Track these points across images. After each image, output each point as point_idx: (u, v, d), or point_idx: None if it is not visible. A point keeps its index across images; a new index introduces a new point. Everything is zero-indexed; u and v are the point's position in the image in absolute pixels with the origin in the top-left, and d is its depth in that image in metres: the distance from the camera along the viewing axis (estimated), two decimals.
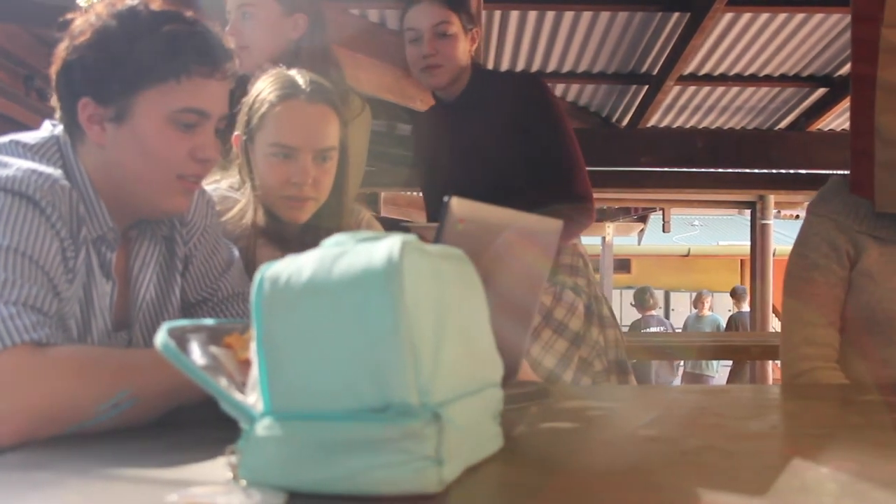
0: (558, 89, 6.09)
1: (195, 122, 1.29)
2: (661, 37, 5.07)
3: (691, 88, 6.05)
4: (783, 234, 10.42)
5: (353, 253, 0.74)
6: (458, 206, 1.05)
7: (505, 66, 5.60)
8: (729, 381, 9.48)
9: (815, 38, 5.11)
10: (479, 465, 0.83)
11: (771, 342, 4.34)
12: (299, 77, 1.69)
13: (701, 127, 6.96)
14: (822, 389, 1.69)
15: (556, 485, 0.80)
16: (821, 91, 5.98)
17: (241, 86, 1.63)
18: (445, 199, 1.04)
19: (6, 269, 1.11)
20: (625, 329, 10.57)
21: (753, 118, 6.73)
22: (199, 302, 1.47)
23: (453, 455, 0.75)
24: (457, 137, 2.43)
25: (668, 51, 5.17)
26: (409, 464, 0.71)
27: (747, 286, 9.75)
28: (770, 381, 7.73)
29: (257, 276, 0.76)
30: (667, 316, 13.73)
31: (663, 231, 11.58)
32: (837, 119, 6.40)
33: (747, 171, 6.79)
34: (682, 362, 9.97)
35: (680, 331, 11.04)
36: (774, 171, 6.67)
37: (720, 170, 6.84)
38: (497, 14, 4.82)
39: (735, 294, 10.91)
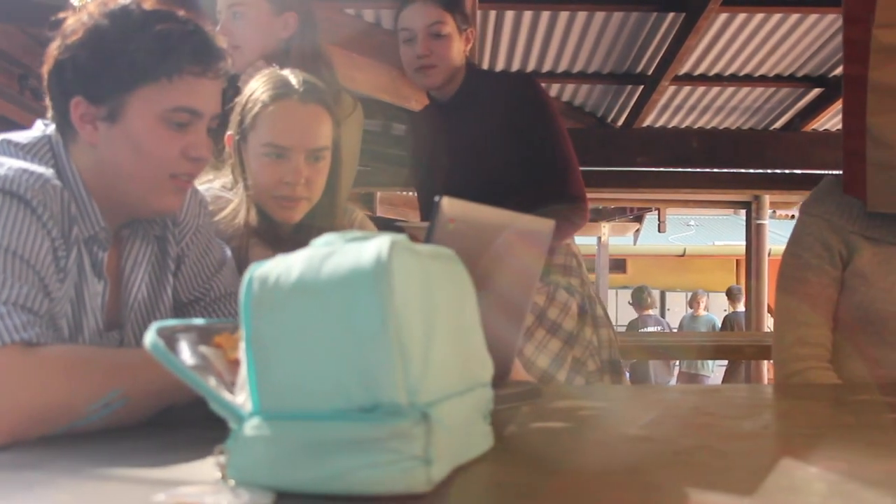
0: (554, 89, 6.09)
1: (187, 121, 1.29)
2: (656, 37, 5.07)
3: (686, 88, 6.06)
4: (778, 234, 10.42)
5: (341, 253, 0.74)
6: (450, 205, 1.05)
7: (500, 66, 5.60)
8: (724, 380, 9.49)
9: (809, 39, 5.12)
10: (468, 464, 0.83)
11: (766, 342, 4.34)
12: (292, 77, 1.69)
13: (696, 127, 6.97)
14: (815, 389, 1.69)
15: (546, 485, 0.80)
16: (816, 91, 5.99)
17: (232, 85, 1.63)
18: (436, 198, 1.04)
19: None
20: (622, 329, 10.62)
21: (748, 118, 6.74)
22: (191, 301, 1.46)
23: (442, 455, 0.74)
24: (451, 137, 2.43)
25: (663, 51, 5.17)
26: (397, 463, 0.71)
27: (743, 286, 9.77)
28: (765, 381, 7.75)
29: (246, 276, 0.76)
30: (662, 315, 13.72)
31: (659, 231, 11.60)
32: (832, 119, 6.40)
33: (742, 171, 6.81)
34: (677, 362, 9.98)
35: (676, 331, 11.05)
36: (769, 171, 6.70)
37: (715, 170, 6.86)
38: (492, 14, 4.82)
39: (730, 294, 10.93)
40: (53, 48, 1.28)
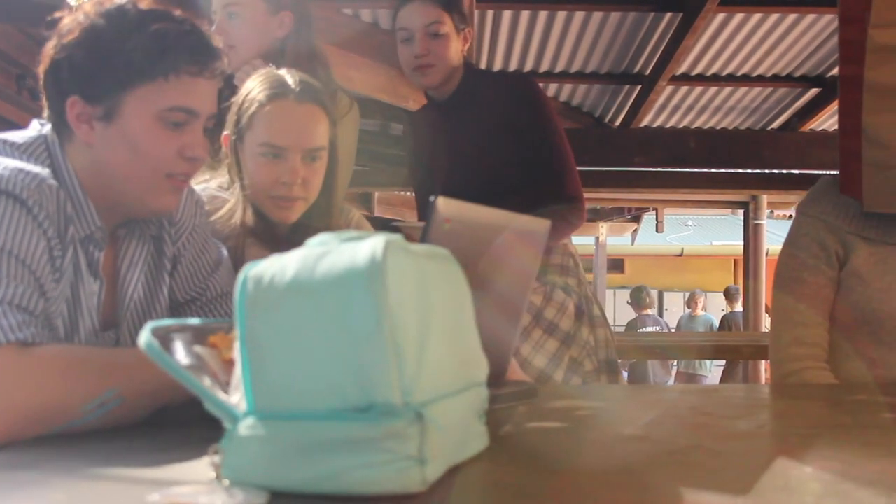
0: (551, 89, 6.10)
1: (184, 120, 1.29)
2: (653, 37, 5.07)
3: (684, 88, 6.06)
4: (776, 234, 10.44)
5: (336, 252, 0.74)
6: (445, 205, 1.05)
7: (498, 65, 5.60)
8: (722, 380, 9.49)
9: (807, 39, 5.12)
10: (463, 464, 0.83)
11: (764, 342, 4.35)
12: (289, 77, 1.69)
13: (694, 127, 6.97)
14: (811, 389, 1.69)
15: (541, 484, 0.80)
16: (813, 91, 5.99)
17: (228, 85, 1.63)
18: (432, 198, 1.04)
19: None
20: (621, 329, 10.62)
21: (746, 118, 6.74)
22: (187, 301, 1.46)
23: (437, 454, 0.75)
24: (448, 137, 2.43)
25: (660, 51, 5.17)
26: (391, 463, 0.71)
27: (740, 286, 9.77)
28: (763, 381, 7.75)
29: (241, 276, 0.76)
30: (660, 315, 13.74)
31: (657, 231, 11.61)
32: (830, 119, 6.41)
33: (740, 171, 6.82)
34: (675, 362, 9.98)
35: (674, 331, 11.05)
36: (767, 171, 6.71)
37: (713, 170, 6.87)
38: (490, 14, 4.82)
39: (728, 294, 10.93)
40: (49, 48, 1.28)
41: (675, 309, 15.82)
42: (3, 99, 4.95)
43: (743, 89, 6.02)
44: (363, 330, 0.71)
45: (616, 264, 17.58)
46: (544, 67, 5.61)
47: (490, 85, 2.43)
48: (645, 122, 6.60)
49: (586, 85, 6.03)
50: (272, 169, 1.67)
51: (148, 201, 1.32)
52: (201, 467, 0.76)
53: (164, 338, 0.83)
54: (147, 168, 1.29)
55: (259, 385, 0.74)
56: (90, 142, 1.28)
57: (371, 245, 0.73)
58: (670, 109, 6.56)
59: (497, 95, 2.37)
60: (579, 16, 4.84)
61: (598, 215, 11.45)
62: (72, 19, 1.27)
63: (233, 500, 0.69)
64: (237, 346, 0.75)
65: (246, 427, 0.74)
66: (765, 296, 8.14)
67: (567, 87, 6.12)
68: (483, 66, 5.47)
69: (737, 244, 9.67)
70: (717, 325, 10.58)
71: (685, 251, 17.56)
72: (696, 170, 6.89)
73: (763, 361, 7.21)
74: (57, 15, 1.29)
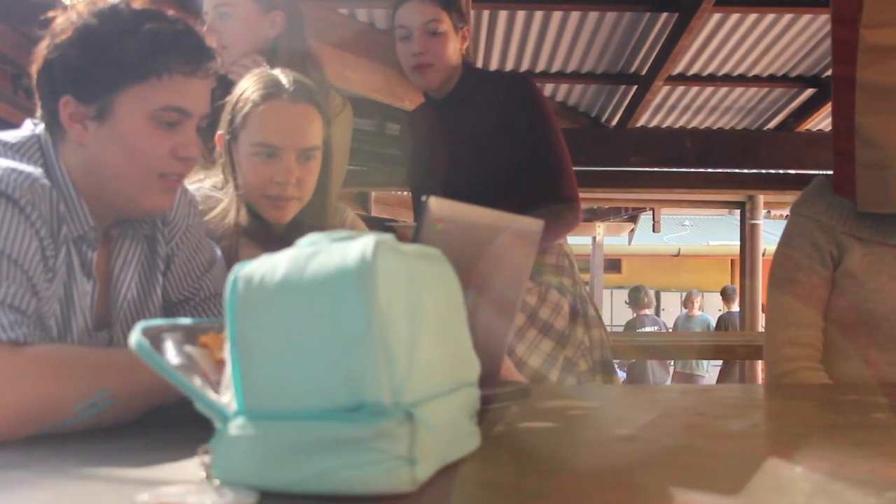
0: (547, 89, 6.10)
1: (177, 120, 1.29)
2: (649, 37, 5.08)
3: (680, 89, 6.07)
4: (773, 234, 10.42)
5: (326, 252, 0.74)
6: (437, 205, 1.05)
7: (494, 66, 5.60)
8: (719, 380, 9.50)
9: (803, 39, 5.13)
10: (454, 464, 0.83)
11: (760, 342, 4.30)
12: (283, 76, 1.69)
13: (690, 127, 6.98)
14: (805, 389, 1.70)
15: (532, 484, 0.80)
16: (809, 91, 6.00)
17: (221, 85, 1.63)
18: (424, 198, 1.04)
19: None
20: (619, 329, 10.62)
21: (742, 118, 6.75)
22: (180, 301, 1.46)
23: (427, 454, 0.75)
24: (446, 135, 2.43)
25: (656, 51, 5.18)
26: (381, 463, 0.71)
27: (737, 286, 9.78)
28: (759, 381, 7.76)
29: (231, 276, 0.76)
30: (657, 315, 13.75)
31: (653, 231, 11.62)
32: (826, 119, 6.41)
33: (736, 171, 6.83)
34: (672, 362, 9.99)
35: (671, 331, 11.06)
36: (763, 171, 6.71)
37: (709, 170, 6.88)
38: (485, 14, 4.82)
39: (725, 294, 10.93)
40: (42, 47, 1.28)
41: (672, 309, 15.83)
42: None
43: (739, 89, 6.03)
44: (353, 330, 0.71)
45: (613, 264, 17.60)
46: (540, 67, 5.61)
47: (488, 84, 2.43)
48: (641, 123, 6.60)
49: (582, 85, 6.03)
50: (266, 169, 1.66)
51: (141, 201, 1.32)
52: (191, 467, 0.76)
53: (154, 338, 0.83)
54: (140, 168, 1.29)
55: (249, 385, 0.74)
56: (83, 141, 1.28)
57: (361, 245, 0.73)
58: (666, 109, 6.57)
59: (495, 95, 2.37)
60: (575, 16, 4.84)
61: (595, 215, 11.45)
62: (65, 19, 1.27)
63: (222, 499, 0.69)
64: (227, 345, 0.75)
65: (236, 427, 0.74)
66: (761, 296, 8.14)
67: (563, 87, 6.13)
68: (479, 66, 5.47)
69: (734, 244, 9.68)
70: (714, 326, 10.58)
71: (682, 251, 17.58)
72: (692, 170, 6.90)
73: (760, 361, 7.21)
74: (50, 14, 1.29)
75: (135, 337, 0.80)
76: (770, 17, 4.76)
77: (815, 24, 4.89)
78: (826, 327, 1.84)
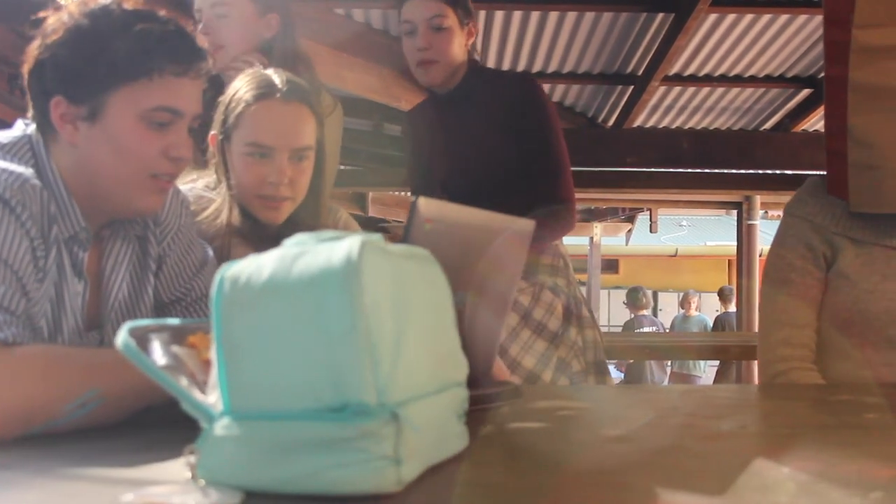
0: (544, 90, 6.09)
1: (168, 120, 1.29)
2: (645, 37, 5.08)
3: (676, 89, 6.07)
4: (770, 235, 10.41)
5: (312, 253, 0.74)
6: (426, 206, 1.05)
7: (490, 66, 5.60)
8: (716, 381, 9.50)
9: (799, 39, 5.13)
10: (441, 464, 0.83)
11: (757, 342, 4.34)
12: (275, 76, 1.69)
13: (686, 128, 6.98)
14: (797, 390, 1.70)
15: (517, 484, 0.80)
16: (805, 92, 6.00)
17: (214, 85, 1.63)
18: (413, 198, 1.04)
19: None
20: (617, 329, 10.61)
21: (738, 119, 6.75)
22: (172, 302, 1.46)
23: (413, 454, 0.75)
24: (446, 131, 2.43)
25: (652, 51, 5.17)
26: (366, 463, 0.71)
27: (734, 286, 9.78)
28: (756, 381, 7.75)
29: (218, 276, 0.76)
30: (654, 316, 13.76)
31: (651, 231, 11.60)
32: (822, 120, 6.38)
33: (733, 171, 6.83)
34: (669, 362, 9.99)
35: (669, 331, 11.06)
36: (760, 171, 6.71)
37: (706, 170, 6.87)
38: (482, 14, 4.82)
39: (722, 294, 10.94)
40: (34, 47, 1.28)
41: (669, 309, 15.84)
42: None
43: (735, 90, 6.03)
44: (338, 330, 0.71)
45: (610, 265, 17.61)
46: (537, 67, 5.61)
47: (493, 82, 2.44)
48: (637, 123, 6.60)
49: (579, 85, 6.03)
50: (259, 169, 1.67)
51: (132, 201, 1.32)
52: (177, 467, 0.76)
53: (141, 338, 0.84)
54: (131, 168, 1.29)
55: (235, 385, 0.74)
56: (74, 142, 1.28)
57: (347, 245, 0.73)
58: (663, 110, 6.57)
59: (499, 93, 2.38)
60: (571, 16, 4.84)
61: (593, 215, 11.45)
62: (56, 19, 1.27)
63: (207, 499, 0.69)
64: (214, 345, 0.75)
65: (221, 427, 0.74)
66: (758, 296, 8.14)
67: (560, 88, 6.12)
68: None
69: (731, 245, 9.68)
70: (711, 326, 10.59)
71: (679, 251, 17.59)
72: (688, 170, 6.90)
73: (756, 362, 7.21)
74: (41, 14, 1.29)
75: (121, 337, 0.80)
76: (766, 17, 4.76)
77: (811, 25, 4.89)
78: (820, 328, 1.84)
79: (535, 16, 4.82)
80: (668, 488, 0.78)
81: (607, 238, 12.65)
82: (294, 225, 1.71)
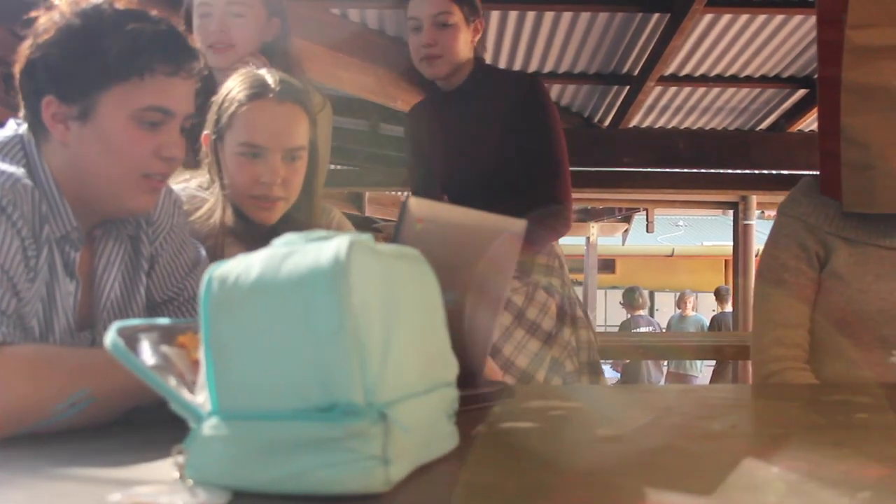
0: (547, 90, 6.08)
1: (160, 120, 1.29)
2: (641, 37, 5.08)
3: (672, 89, 6.07)
4: (766, 235, 10.43)
5: (301, 252, 0.74)
6: (417, 205, 1.05)
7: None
8: (712, 380, 9.51)
9: (794, 40, 5.13)
10: (431, 464, 0.83)
11: None
12: (269, 76, 1.69)
13: (682, 128, 6.98)
14: (790, 390, 1.70)
15: (506, 484, 0.80)
16: (801, 92, 6.00)
17: (207, 85, 1.63)
18: (403, 198, 1.04)
19: None
20: (613, 329, 10.60)
21: (734, 119, 6.75)
22: (164, 301, 1.46)
23: (401, 454, 0.75)
24: (448, 127, 2.44)
25: (648, 51, 5.18)
26: (355, 463, 0.71)
27: (731, 286, 9.80)
28: (752, 381, 7.76)
29: (206, 276, 0.76)
30: (651, 316, 13.76)
31: (647, 231, 11.62)
32: (818, 120, 6.41)
33: (729, 171, 6.83)
34: (666, 362, 10.00)
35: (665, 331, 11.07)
36: (756, 171, 6.72)
37: (702, 170, 6.88)
38: None
39: (718, 294, 10.95)
40: (25, 47, 1.28)
41: (666, 309, 15.85)
42: None
43: (731, 90, 6.03)
44: (326, 329, 0.71)
45: (607, 264, 17.63)
46: (533, 67, 5.61)
47: (497, 81, 2.45)
48: (634, 123, 6.60)
49: (575, 85, 6.03)
50: (252, 169, 1.66)
51: (124, 201, 1.32)
52: (166, 467, 0.76)
53: (130, 338, 0.83)
54: (123, 168, 1.29)
55: (223, 385, 0.74)
56: (66, 141, 1.27)
57: (336, 245, 0.73)
58: (659, 110, 6.57)
59: (503, 93, 2.38)
60: (567, 16, 4.84)
61: (589, 215, 11.46)
62: (47, 18, 1.27)
63: (195, 499, 0.69)
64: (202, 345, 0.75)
65: (210, 427, 0.74)
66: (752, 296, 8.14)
67: (556, 88, 6.12)
68: None
69: (727, 244, 9.69)
70: (708, 326, 10.60)
71: (676, 251, 17.60)
72: (685, 170, 6.91)
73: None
74: (33, 14, 1.29)
75: (110, 337, 0.80)
76: (761, 17, 4.76)
77: (807, 25, 4.89)
78: (813, 327, 1.84)
79: (531, 16, 4.82)
80: (657, 488, 0.78)
81: (604, 238, 12.66)
82: (287, 225, 1.71)
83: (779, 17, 4.78)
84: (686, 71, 5.68)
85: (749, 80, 5.83)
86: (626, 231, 12.80)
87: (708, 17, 4.78)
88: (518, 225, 1.27)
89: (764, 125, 6.74)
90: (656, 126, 6.98)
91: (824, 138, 1.79)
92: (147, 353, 0.83)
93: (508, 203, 2.01)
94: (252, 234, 1.72)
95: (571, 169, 2.42)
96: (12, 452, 0.94)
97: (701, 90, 6.06)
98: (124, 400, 1.09)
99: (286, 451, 0.71)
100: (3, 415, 1.02)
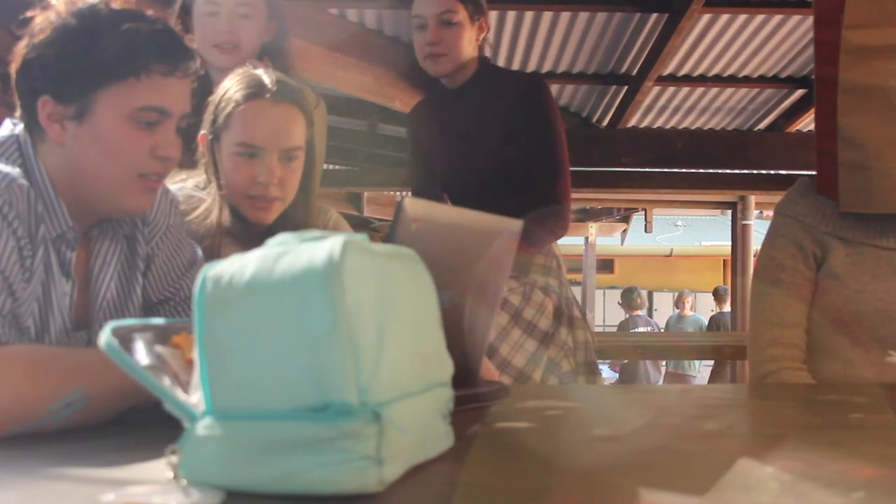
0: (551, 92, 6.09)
1: (156, 120, 1.29)
2: (639, 37, 5.08)
3: (670, 89, 6.07)
4: (764, 235, 10.44)
5: (295, 252, 0.74)
6: (412, 205, 1.05)
7: None
8: (710, 380, 9.52)
9: (792, 40, 5.14)
10: (425, 464, 0.83)
11: None
12: (265, 76, 1.69)
13: (681, 128, 6.98)
14: (786, 389, 1.70)
15: (500, 484, 0.80)
16: (799, 92, 6.01)
17: (203, 85, 1.63)
18: (399, 198, 1.04)
19: None
20: (612, 329, 10.59)
21: (732, 119, 6.76)
22: (160, 301, 1.46)
23: (395, 454, 0.75)
24: (451, 126, 2.44)
25: (646, 51, 5.18)
26: (348, 463, 0.71)
27: (729, 286, 9.80)
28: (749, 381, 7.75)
29: (200, 276, 0.76)
30: (649, 316, 13.76)
31: (645, 231, 11.63)
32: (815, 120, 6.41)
33: (727, 171, 6.84)
34: (664, 362, 10.00)
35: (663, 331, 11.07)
36: (754, 171, 6.73)
37: (700, 170, 6.88)
38: None
39: (717, 294, 10.95)
40: (21, 47, 1.28)
41: (664, 309, 15.85)
42: None
43: (729, 90, 6.04)
44: (320, 329, 0.71)
45: (606, 264, 17.63)
46: (531, 68, 5.61)
47: (502, 81, 2.45)
48: (632, 123, 6.61)
49: (573, 85, 6.03)
50: (249, 169, 1.66)
51: (120, 201, 1.32)
52: (159, 467, 0.76)
53: (124, 338, 0.83)
54: (119, 168, 1.29)
55: (217, 385, 0.74)
56: (62, 141, 1.27)
57: (329, 245, 0.73)
58: (657, 110, 6.58)
59: (507, 92, 2.39)
60: (565, 16, 4.84)
61: (588, 215, 11.46)
62: (43, 18, 1.27)
63: (188, 499, 0.69)
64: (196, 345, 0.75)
65: (203, 427, 0.74)
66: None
67: (554, 88, 6.11)
68: None
69: (726, 244, 9.70)
70: (706, 326, 10.60)
71: (674, 251, 17.61)
72: (683, 170, 6.91)
73: None
74: (29, 14, 1.29)
75: (104, 337, 0.80)
76: (759, 17, 4.77)
77: (805, 25, 4.89)
78: (810, 327, 1.84)
79: (529, 16, 4.82)
80: (652, 488, 0.78)
81: (602, 238, 12.66)
82: (284, 225, 1.71)
83: (777, 17, 4.78)
84: (684, 71, 5.68)
85: (747, 80, 5.83)
86: (625, 231, 12.80)
87: (706, 17, 4.78)
88: (515, 225, 1.27)
89: (762, 125, 6.75)
90: (654, 126, 6.99)
91: (821, 138, 1.79)
92: (141, 353, 0.83)
93: (508, 202, 2.02)
94: (249, 234, 1.71)
95: (570, 169, 2.42)
96: (7, 452, 0.94)
97: (699, 90, 6.07)
98: (119, 400, 1.09)
99: (280, 451, 0.71)
100: None
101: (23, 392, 1.03)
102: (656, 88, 5.89)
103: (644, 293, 11.86)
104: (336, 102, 5.69)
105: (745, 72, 5.69)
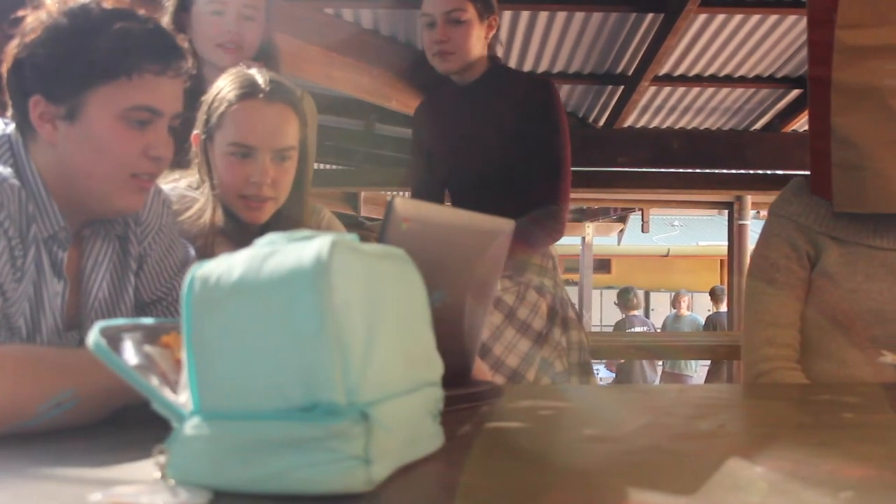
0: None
1: (147, 119, 1.29)
2: (635, 37, 5.08)
3: (666, 89, 6.08)
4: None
5: (283, 252, 0.74)
6: (402, 205, 1.05)
7: None
8: (707, 380, 9.53)
9: (788, 40, 5.14)
10: (415, 464, 0.83)
11: None
12: (259, 76, 1.69)
13: (677, 128, 6.99)
14: (779, 389, 1.70)
15: (489, 484, 0.80)
16: (795, 92, 6.02)
17: (197, 85, 1.63)
18: (389, 198, 1.04)
19: None
20: (608, 329, 10.60)
21: (728, 119, 6.76)
22: (153, 301, 1.46)
23: (384, 454, 0.74)
24: (457, 122, 2.44)
25: (642, 51, 5.18)
26: (336, 463, 0.70)
27: (726, 286, 9.81)
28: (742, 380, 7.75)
29: (188, 276, 0.76)
30: (646, 316, 13.77)
31: (642, 231, 11.63)
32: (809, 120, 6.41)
33: (724, 171, 6.84)
34: (661, 362, 10.01)
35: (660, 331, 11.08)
36: (751, 171, 6.73)
37: (696, 170, 6.89)
38: None
39: (714, 294, 10.96)
40: (12, 47, 1.28)
41: (661, 309, 15.87)
42: None
43: (725, 90, 6.04)
44: (308, 329, 0.71)
45: (603, 264, 17.63)
46: (527, 67, 5.62)
47: (511, 81, 2.46)
48: (628, 123, 6.62)
49: (569, 85, 6.04)
50: (242, 169, 1.66)
51: (113, 201, 1.32)
52: (147, 467, 0.75)
53: (113, 337, 0.83)
54: (111, 168, 1.29)
55: (205, 384, 0.74)
56: (53, 141, 1.27)
57: (317, 245, 0.73)
58: (653, 110, 6.58)
59: (515, 92, 2.40)
60: (561, 16, 4.84)
61: (585, 215, 11.46)
62: (35, 18, 1.26)
63: (175, 499, 0.69)
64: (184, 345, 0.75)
65: (191, 426, 0.74)
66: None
67: None
68: None
69: (722, 244, 9.71)
70: (703, 326, 10.61)
71: (671, 251, 17.61)
72: (679, 170, 6.92)
73: None
74: (20, 13, 1.28)
75: (92, 337, 0.80)
76: (755, 17, 4.77)
77: (800, 26, 4.90)
78: (803, 327, 1.84)
79: (524, 16, 4.82)
80: (643, 488, 0.78)
81: (599, 238, 12.66)
82: (277, 225, 1.71)
83: (772, 18, 4.79)
84: (680, 71, 5.68)
85: (743, 81, 5.84)
86: (622, 231, 12.80)
87: (702, 18, 4.78)
88: (508, 225, 1.27)
89: (758, 125, 6.76)
90: (651, 126, 6.99)
91: (815, 138, 1.79)
92: (130, 353, 0.83)
93: (508, 201, 2.02)
94: (242, 234, 1.71)
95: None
96: None
97: (695, 90, 6.08)
98: (109, 400, 1.08)
99: (268, 450, 0.71)
100: None
101: (12, 392, 1.03)
102: (652, 88, 5.89)
103: (640, 293, 11.88)
104: (333, 102, 5.70)
105: (741, 72, 5.70)
